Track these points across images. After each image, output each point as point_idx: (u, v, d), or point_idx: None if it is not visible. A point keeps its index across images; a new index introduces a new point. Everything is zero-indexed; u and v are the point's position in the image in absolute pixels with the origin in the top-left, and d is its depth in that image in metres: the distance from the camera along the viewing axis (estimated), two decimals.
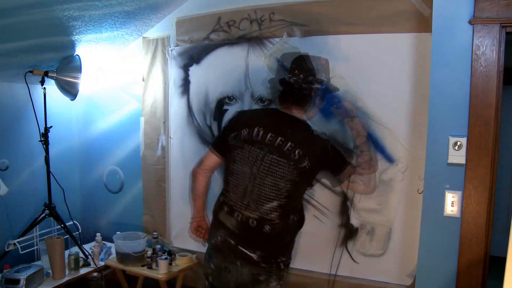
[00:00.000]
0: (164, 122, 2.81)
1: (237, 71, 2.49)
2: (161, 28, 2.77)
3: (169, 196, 2.84)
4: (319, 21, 2.24)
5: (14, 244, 2.54)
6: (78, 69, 2.59)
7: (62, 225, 2.69)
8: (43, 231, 2.81)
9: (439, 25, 1.68)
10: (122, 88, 3.01)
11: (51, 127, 2.65)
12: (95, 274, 2.71)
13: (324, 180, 2.28)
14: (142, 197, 2.96)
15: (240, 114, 2.07)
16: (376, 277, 2.22)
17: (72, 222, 2.81)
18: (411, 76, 2.06)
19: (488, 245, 1.67)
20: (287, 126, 1.90)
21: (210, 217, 2.08)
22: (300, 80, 1.93)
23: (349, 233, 2.26)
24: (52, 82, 2.65)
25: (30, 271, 2.31)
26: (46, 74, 2.56)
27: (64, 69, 2.60)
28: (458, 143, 1.66)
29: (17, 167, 2.80)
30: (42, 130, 2.62)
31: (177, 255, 2.66)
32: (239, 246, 1.85)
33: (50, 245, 2.45)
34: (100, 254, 2.79)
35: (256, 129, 1.88)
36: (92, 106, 3.17)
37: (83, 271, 2.61)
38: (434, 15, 1.69)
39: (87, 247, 2.85)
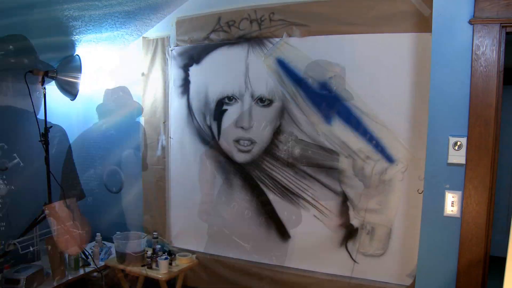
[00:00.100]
0: (164, 122, 2.81)
1: (237, 71, 2.49)
2: (161, 28, 2.77)
3: (169, 196, 2.84)
4: (319, 21, 2.24)
5: (14, 244, 2.54)
6: (78, 69, 2.59)
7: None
8: (43, 231, 2.81)
9: (439, 25, 1.68)
10: (122, 88, 3.01)
11: (51, 127, 2.65)
12: (95, 274, 2.71)
13: (324, 180, 2.28)
14: (142, 197, 2.96)
15: None
16: (376, 277, 2.22)
17: (72, 222, 2.81)
18: (411, 76, 2.06)
19: (488, 245, 1.67)
20: None
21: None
22: None
23: (349, 233, 2.26)
24: (52, 82, 2.65)
25: (30, 271, 2.31)
26: (46, 74, 2.55)
27: (64, 69, 2.60)
28: (458, 143, 1.66)
29: (17, 167, 2.79)
30: (42, 130, 2.62)
31: (177, 255, 2.66)
32: None
33: (50, 245, 2.45)
34: (100, 254, 2.78)
35: None
36: (92, 106, 3.16)
37: (83, 271, 2.61)
38: (434, 15, 1.69)
39: (87, 247, 2.85)
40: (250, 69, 2.46)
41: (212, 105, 2.61)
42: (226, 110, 2.56)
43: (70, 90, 2.64)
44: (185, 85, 2.71)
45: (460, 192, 1.68)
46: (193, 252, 2.70)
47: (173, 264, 2.58)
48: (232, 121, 2.54)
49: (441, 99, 1.69)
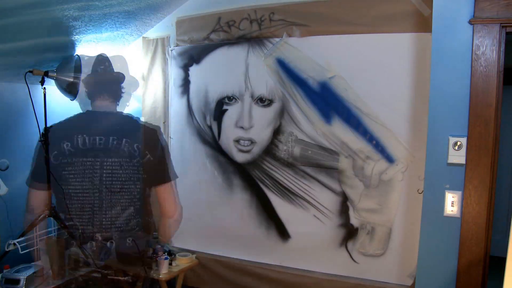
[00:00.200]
0: (164, 122, 2.81)
1: (237, 71, 2.49)
2: (161, 28, 2.77)
3: None
4: (319, 21, 2.24)
5: (14, 244, 2.54)
6: (78, 69, 2.58)
7: (62, 225, 2.69)
8: (43, 231, 2.81)
9: (439, 25, 1.68)
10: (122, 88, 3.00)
11: (51, 127, 2.65)
12: (95, 274, 2.71)
13: (324, 180, 2.28)
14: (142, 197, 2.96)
15: (53, 130, 1.95)
16: (376, 277, 2.22)
17: (72, 222, 2.81)
18: (411, 76, 2.06)
19: (488, 245, 1.67)
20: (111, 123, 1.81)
21: None
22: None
23: (349, 233, 2.26)
24: (52, 82, 2.65)
25: (30, 271, 2.30)
26: (46, 74, 2.55)
27: (64, 69, 2.60)
28: (458, 143, 1.66)
29: (17, 167, 2.79)
30: (42, 130, 2.62)
31: (177, 255, 2.66)
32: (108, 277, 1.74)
33: (50, 245, 2.44)
34: (100, 254, 2.78)
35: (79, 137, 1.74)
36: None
37: (83, 271, 2.61)
38: (434, 15, 1.69)
39: (87, 247, 2.85)
40: (250, 69, 2.46)
41: (212, 105, 2.61)
42: (226, 110, 2.57)
43: (70, 90, 2.64)
44: (185, 85, 2.71)
45: (460, 192, 1.68)
46: (193, 252, 2.70)
47: (173, 264, 2.58)
48: (232, 121, 2.55)
49: (441, 99, 1.69)
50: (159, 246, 2.71)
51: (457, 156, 1.67)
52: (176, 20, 2.69)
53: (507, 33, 1.60)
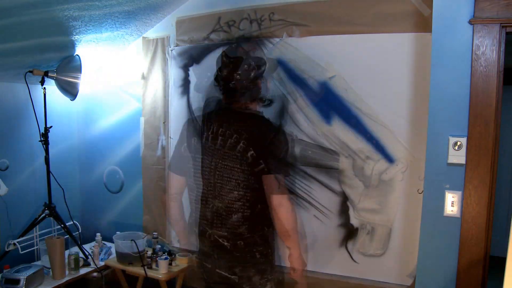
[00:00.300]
0: (164, 122, 2.81)
1: None
2: (161, 28, 2.77)
3: (169, 196, 2.83)
4: (319, 21, 2.24)
5: (14, 244, 2.54)
6: (78, 69, 2.59)
7: (62, 225, 2.69)
8: (43, 231, 2.81)
9: (439, 25, 1.68)
10: (122, 88, 3.01)
11: (51, 127, 2.65)
12: (95, 274, 2.71)
13: (324, 180, 2.28)
14: (142, 197, 2.96)
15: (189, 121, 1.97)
16: (376, 277, 2.22)
17: (72, 222, 2.81)
18: (411, 76, 2.06)
19: (488, 245, 1.67)
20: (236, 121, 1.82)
21: None
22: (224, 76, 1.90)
23: (349, 233, 2.26)
24: (52, 82, 2.65)
25: (30, 271, 2.31)
26: (46, 74, 2.55)
27: (64, 69, 2.60)
28: (458, 143, 1.66)
29: (17, 167, 2.79)
30: (42, 130, 2.62)
31: (177, 255, 2.66)
32: (216, 270, 1.76)
33: (50, 245, 2.44)
34: (100, 254, 2.78)
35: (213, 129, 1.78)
36: (92, 106, 3.17)
37: (83, 271, 2.61)
38: (434, 15, 1.69)
39: (87, 247, 2.85)
40: None
41: (212, 105, 2.61)
42: None
43: (70, 90, 2.64)
44: (185, 85, 2.71)
45: (460, 192, 1.68)
46: (193, 252, 2.70)
47: (173, 264, 2.59)
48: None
49: (441, 99, 1.70)
50: (159, 246, 2.71)
51: (457, 156, 1.67)
52: (176, 20, 2.69)
53: (507, 33, 1.60)
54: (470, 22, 1.61)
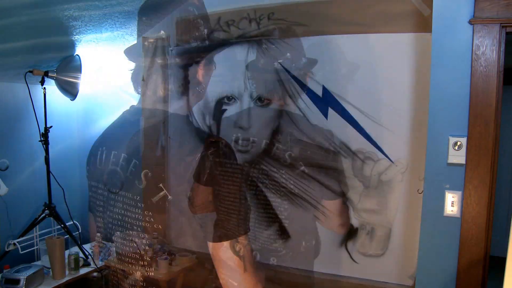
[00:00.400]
0: (164, 122, 2.81)
1: (237, 71, 2.49)
2: (161, 28, 2.77)
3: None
4: (318, 21, 2.24)
5: (14, 244, 2.54)
6: (78, 69, 2.59)
7: (62, 225, 2.69)
8: (43, 231, 2.81)
9: (439, 25, 1.68)
10: (122, 88, 3.00)
11: (51, 127, 2.65)
12: (95, 274, 2.71)
13: (324, 180, 2.28)
14: (142, 197, 2.96)
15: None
16: (376, 277, 2.22)
17: (72, 222, 2.81)
18: (411, 76, 2.06)
19: (488, 245, 1.67)
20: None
21: None
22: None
23: (349, 233, 2.26)
24: (52, 82, 2.65)
25: (30, 271, 2.31)
26: (46, 74, 2.55)
27: (64, 69, 2.60)
28: (458, 143, 1.66)
29: (17, 167, 2.79)
30: (42, 130, 2.62)
31: (177, 255, 2.66)
32: None
33: (50, 245, 2.45)
34: (100, 254, 2.78)
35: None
36: (92, 106, 3.16)
37: (83, 271, 2.61)
38: (434, 15, 1.69)
39: (87, 247, 2.85)
40: (250, 69, 2.46)
41: (212, 105, 2.61)
42: (225, 110, 2.56)
43: (70, 90, 2.64)
44: (185, 85, 2.71)
45: (460, 192, 1.68)
46: (193, 252, 2.70)
47: (173, 264, 2.58)
48: (231, 121, 2.54)
49: (441, 99, 1.69)
50: (159, 246, 2.71)
51: (457, 156, 1.67)
52: (176, 20, 2.69)
53: (507, 33, 1.60)
54: (470, 22, 1.61)
